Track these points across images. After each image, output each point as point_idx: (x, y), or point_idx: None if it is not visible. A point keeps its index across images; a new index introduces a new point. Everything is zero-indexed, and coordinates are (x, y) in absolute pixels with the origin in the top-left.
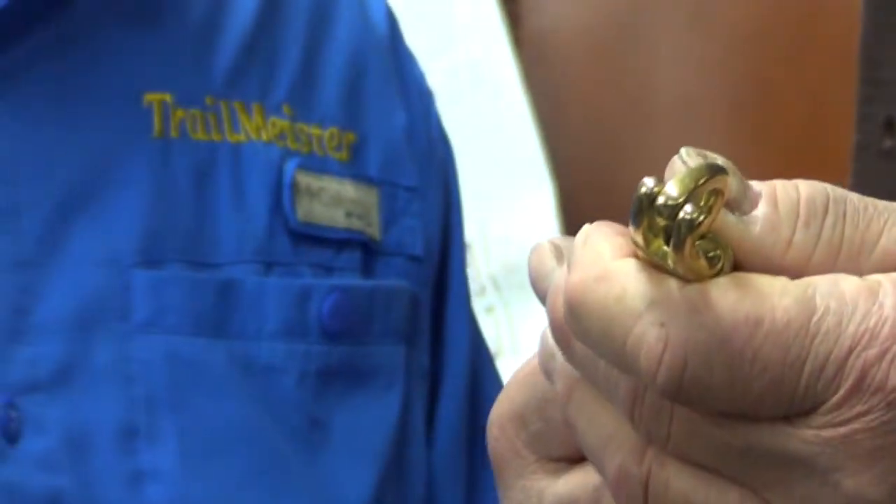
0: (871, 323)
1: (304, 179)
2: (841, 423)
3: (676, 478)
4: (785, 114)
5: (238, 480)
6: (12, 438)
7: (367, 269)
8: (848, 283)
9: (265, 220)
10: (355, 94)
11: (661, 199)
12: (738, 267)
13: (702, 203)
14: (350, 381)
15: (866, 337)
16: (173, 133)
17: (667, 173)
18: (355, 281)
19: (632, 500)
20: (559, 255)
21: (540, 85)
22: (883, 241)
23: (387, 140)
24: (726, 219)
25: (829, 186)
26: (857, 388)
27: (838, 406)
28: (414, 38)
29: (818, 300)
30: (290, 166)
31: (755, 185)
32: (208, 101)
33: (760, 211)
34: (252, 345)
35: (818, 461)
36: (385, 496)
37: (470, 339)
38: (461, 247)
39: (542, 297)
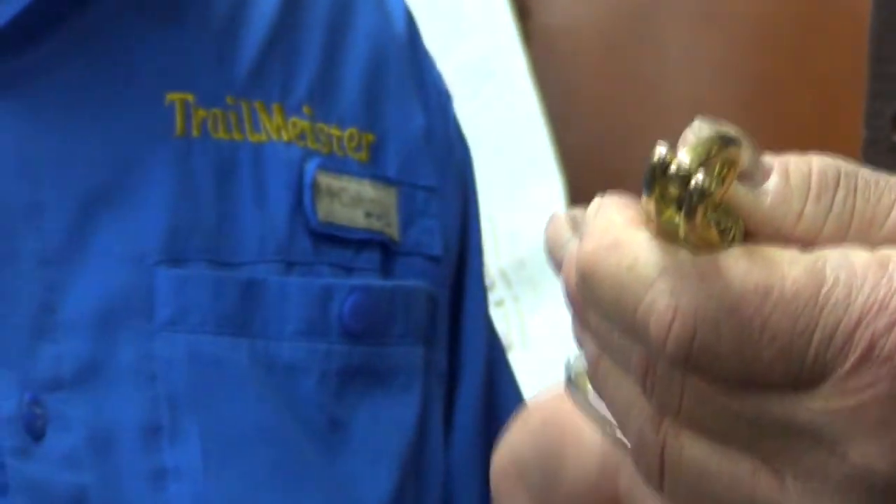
0: (881, 295)
1: (325, 180)
2: (849, 394)
3: (690, 447)
4: (794, 110)
5: (259, 479)
6: (37, 435)
7: (385, 270)
8: (858, 256)
9: (286, 220)
10: (375, 95)
11: (673, 168)
12: (748, 239)
13: (715, 173)
14: (369, 382)
15: (875, 308)
16: (195, 132)
17: (680, 143)
18: (375, 281)
19: (650, 468)
20: (575, 225)
21: (549, 79)
22: (893, 214)
23: (405, 140)
24: (738, 190)
25: (841, 161)
26: (866, 359)
27: (846, 377)
28: (423, 34)
29: (828, 271)
30: (310, 166)
31: (768, 158)
32: (229, 100)
33: (772, 183)
34: (274, 344)
35: (826, 432)
36: (403, 496)
37: (486, 340)
38: (479, 247)
39: (558, 268)
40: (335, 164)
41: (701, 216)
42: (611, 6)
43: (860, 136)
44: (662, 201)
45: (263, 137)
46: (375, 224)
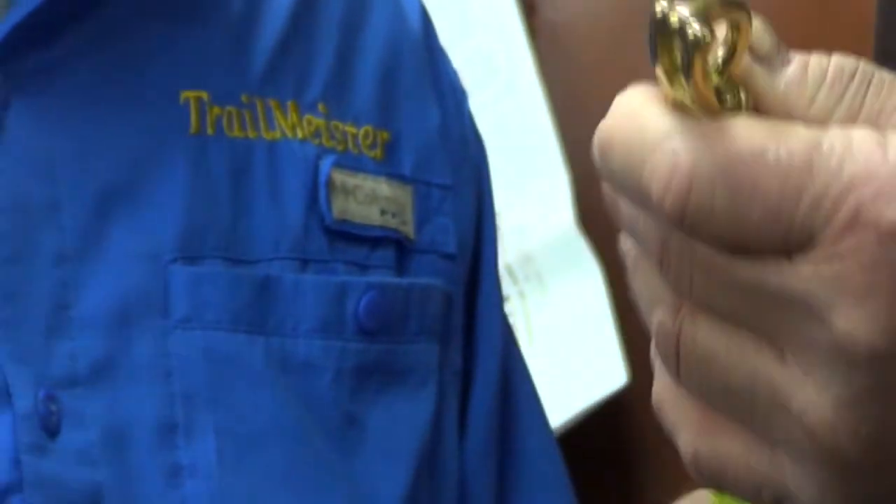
0: (872, 165)
1: (340, 177)
2: (835, 258)
3: (703, 331)
4: None
5: (275, 476)
6: (52, 432)
7: (400, 268)
8: (859, 132)
9: (301, 218)
10: (389, 93)
11: (672, 18)
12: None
13: (727, 36)
14: (385, 379)
15: (864, 176)
16: (209, 130)
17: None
18: (390, 279)
19: (668, 354)
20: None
21: (555, 75)
22: None
23: (421, 138)
24: (754, 68)
25: (862, 62)
26: (851, 224)
27: (833, 241)
28: None
29: (825, 141)
30: (325, 164)
31: (789, 50)
32: (244, 98)
33: (790, 69)
34: (289, 341)
35: (815, 299)
36: (418, 493)
37: (501, 337)
38: (494, 245)
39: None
40: (350, 162)
41: (700, 69)
42: (617, 3)
43: None
44: (669, 64)
45: (278, 135)
46: (391, 222)
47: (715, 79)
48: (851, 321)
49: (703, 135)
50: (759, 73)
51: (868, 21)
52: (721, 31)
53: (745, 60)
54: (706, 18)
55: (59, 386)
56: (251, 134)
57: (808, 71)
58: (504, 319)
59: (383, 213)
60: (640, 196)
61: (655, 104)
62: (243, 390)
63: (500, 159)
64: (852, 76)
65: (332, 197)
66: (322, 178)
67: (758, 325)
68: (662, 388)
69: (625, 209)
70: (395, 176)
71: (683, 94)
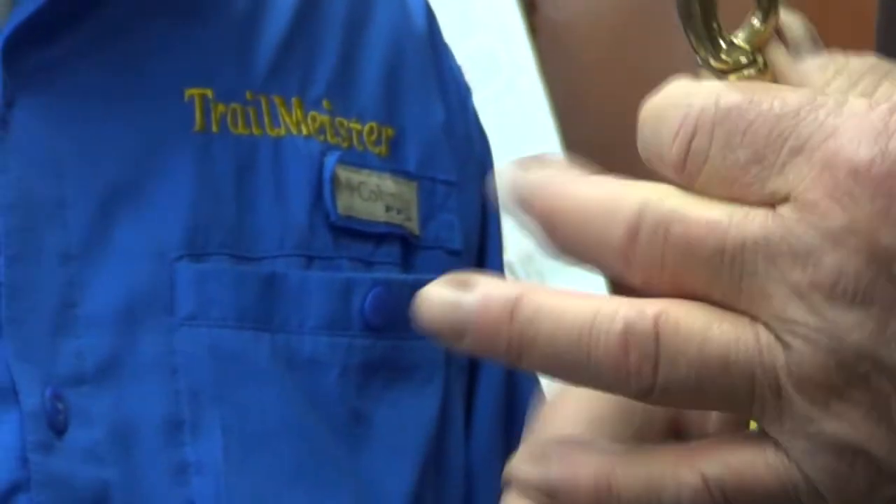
0: (856, 117)
1: (345, 174)
2: (815, 201)
3: (687, 317)
4: None
5: (281, 473)
6: (59, 430)
7: (406, 264)
8: (856, 99)
9: (306, 214)
10: (394, 89)
11: None
12: None
13: (757, 13)
14: (391, 375)
15: (845, 124)
16: (214, 128)
17: None
18: (396, 275)
19: (641, 365)
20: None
21: (556, 73)
22: None
23: (425, 135)
24: (780, 50)
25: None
26: (829, 164)
27: (812, 183)
28: None
29: (820, 98)
30: (330, 161)
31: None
32: (248, 95)
33: (815, 58)
34: (295, 338)
35: (799, 243)
36: (425, 489)
37: None
38: (498, 241)
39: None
40: (355, 158)
41: (718, 31)
42: (618, 1)
43: None
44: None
45: (283, 132)
46: (395, 218)
47: (743, 45)
48: (835, 260)
49: (714, 89)
50: (783, 55)
51: (869, 17)
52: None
53: (772, 41)
54: None
55: (65, 384)
56: (256, 131)
57: (832, 62)
58: None
59: (388, 209)
60: (658, 153)
61: (687, 81)
62: (249, 387)
63: (500, 157)
64: (871, 68)
65: (337, 193)
66: (327, 175)
67: (740, 296)
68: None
69: (568, 225)
70: (399, 172)
71: (706, 54)
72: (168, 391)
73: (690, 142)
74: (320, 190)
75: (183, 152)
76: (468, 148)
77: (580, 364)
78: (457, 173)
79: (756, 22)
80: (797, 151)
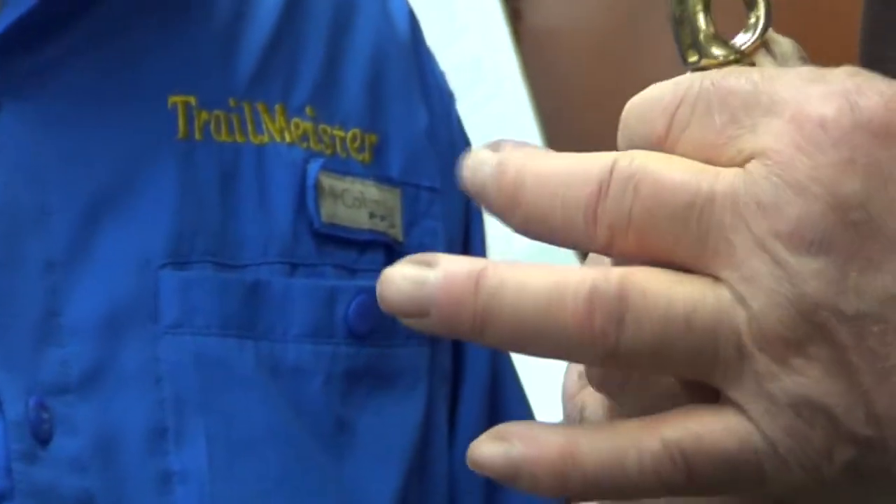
0: (829, 84)
1: (328, 181)
2: (782, 153)
3: (653, 278)
4: None
5: (266, 481)
6: (43, 440)
7: None
8: (832, 72)
9: (289, 222)
10: (377, 95)
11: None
12: None
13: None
14: (375, 383)
15: (816, 87)
16: (197, 135)
17: None
18: None
19: (605, 327)
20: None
21: (541, 81)
22: None
23: (409, 141)
24: (767, 60)
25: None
26: (796, 118)
27: (779, 137)
28: None
29: (801, 69)
30: (313, 168)
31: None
32: (232, 102)
33: (801, 67)
34: (279, 346)
35: (765, 196)
36: (408, 496)
37: None
38: (483, 248)
39: (481, 186)
40: (338, 166)
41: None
42: (603, 8)
43: None
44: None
45: (266, 139)
46: (379, 225)
47: (733, 46)
48: (797, 208)
49: (702, 73)
50: (770, 64)
51: (854, 32)
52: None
53: (760, 52)
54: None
55: (49, 393)
56: (239, 138)
57: (820, 69)
58: None
59: (372, 216)
60: (644, 137)
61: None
62: (234, 395)
63: None
64: (856, 70)
65: (320, 201)
66: (310, 182)
67: (707, 250)
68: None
69: (532, 195)
70: (383, 179)
71: (695, 52)
72: (152, 399)
73: (674, 113)
74: (303, 197)
75: (166, 160)
76: (452, 154)
77: (545, 331)
78: (440, 180)
79: (745, 34)
80: (770, 111)
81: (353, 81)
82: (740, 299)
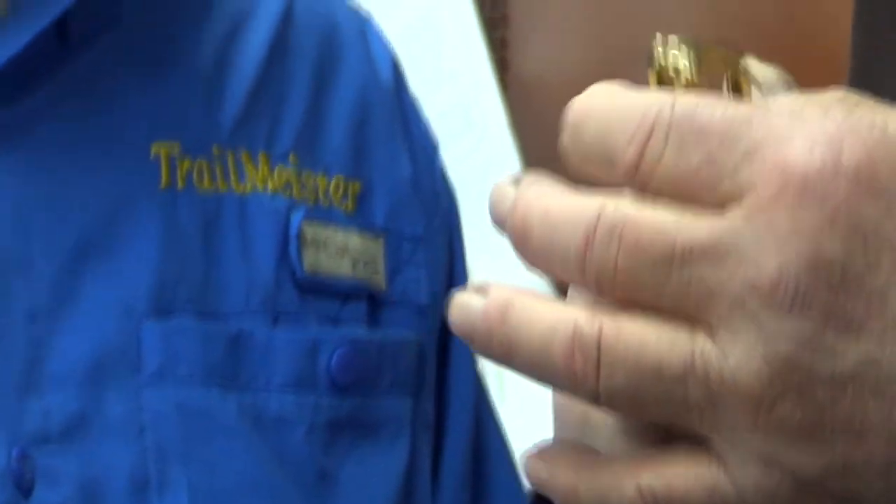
0: (810, 124)
1: (311, 230)
2: (764, 204)
3: (628, 323)
4: None
5: None
6: (26, 491)
7: (372, 320)
8: (811, 107)
9: (272, 272)
10: (361, 143)
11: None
12: None
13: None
14: (358, 433)
15: (799, 131)
16: (180, 184)
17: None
18: (363, 332)
19: (586, 366)
20: (516, 182)
21: (528, 130)
22: None
23: (392, 189)
24: (748, 87)
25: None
26: (779, 169)
27: (762, 187)
28: None
29: (776, 105)
30: (296, 217)
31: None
32: (215, 150)
33: (787, 97)
34: (262, 396)
35: (746, 246)
36: None
37: (474, 391)
38: None
39: (502, 221)
40: (321, 215)
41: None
42: (590, 57)
43: None
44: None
45: (248, 188)
46: (362, 274)
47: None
48: (777, 264)
49: (669, 95)
50: (754, 91)
51: (842, 59)
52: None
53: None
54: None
55: (32, 443)
56: (222, 187)
57: (799, 98)
58: (476, 370)
59: (355, 265)
60: (605, 157)
61: (635, 89)
62: (216, 446)
63: (471, 213)
64: (842, 96)
65: (302, 250)
66: (293, 232)
67: (688, 300)
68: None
69: (539, 233)
70: (366, 227)
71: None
72: (135, 449)
73: (645, 143)
74: (286, 247)
75: (149, 209)
76: (435, 202)
77: (547, 368)
78: (424, 227)
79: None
80: (750, 154)
81: (337, 128)
82: (717, 352)
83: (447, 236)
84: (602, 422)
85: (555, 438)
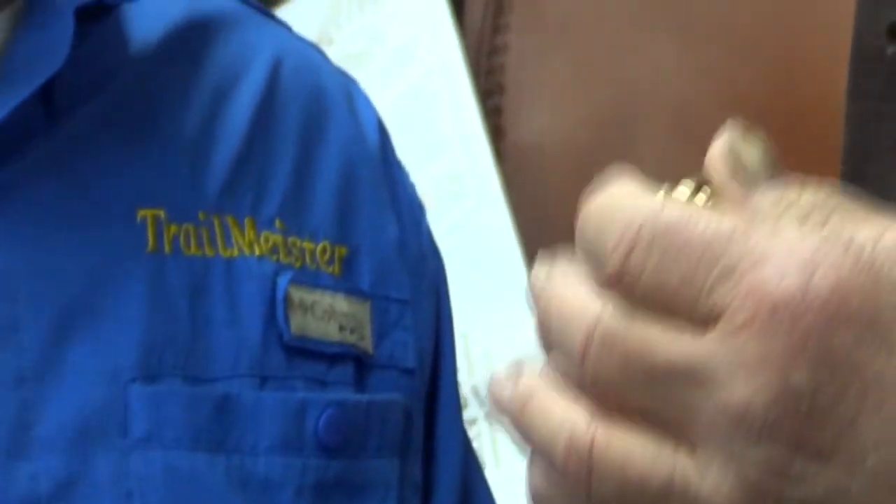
0: (784, 245)
1: (297, 294)
2: (735, 330)
3: (618, 434)
4: None
5: None
6: None
7: (360, 383)
8: (790, 226)
9: (259, 335)
10: (347, 207)
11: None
12: None
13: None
14: (345, 495)
15: (772, 253)
16: (167, 249)
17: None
18: (350, 395)
19: (578, 470)
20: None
21: (523, 198)
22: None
23: (379, 253)
24: (733, 179)
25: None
26: (750, 295)
27: (734, 312)
28: (397, 149)
29: (755, 224)
30: (282, 281)
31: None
32: (201, 216)
33: (768, 190)
34: (249, 459)
35: (718, 372)
36: None
37: (461, 452)
38: (452, 359)
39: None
40: (308, 278)
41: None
42: (585, 125)
43: None
44: None
45: (235, 252)
46: (349, 337)
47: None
48: (747, 392)
49: (657, 204)
50: (737, 187)
51: (837, 128)
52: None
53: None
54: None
55: None
56: (208, 252)
57: (783, 194)
58: (464, 432)
59: (342, 328)
60: (597, 260)
61: (638, 188)
62: None
63: (468, 282)
64: (822, 200)
65: (289, 314)
66: (279, 295)
67: (671, 415)
68: None
69: (551, 320)
70: (353, 291)
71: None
72: None
73: (629, 255)
74: (273, 310)
75: (136, 274)
76: (422, 265)
77: (552, 460)
78: (410, 291)
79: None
80: (726, 275)
81: (323, 193)
82: (696, 471)
83: (434, 298)
84: None
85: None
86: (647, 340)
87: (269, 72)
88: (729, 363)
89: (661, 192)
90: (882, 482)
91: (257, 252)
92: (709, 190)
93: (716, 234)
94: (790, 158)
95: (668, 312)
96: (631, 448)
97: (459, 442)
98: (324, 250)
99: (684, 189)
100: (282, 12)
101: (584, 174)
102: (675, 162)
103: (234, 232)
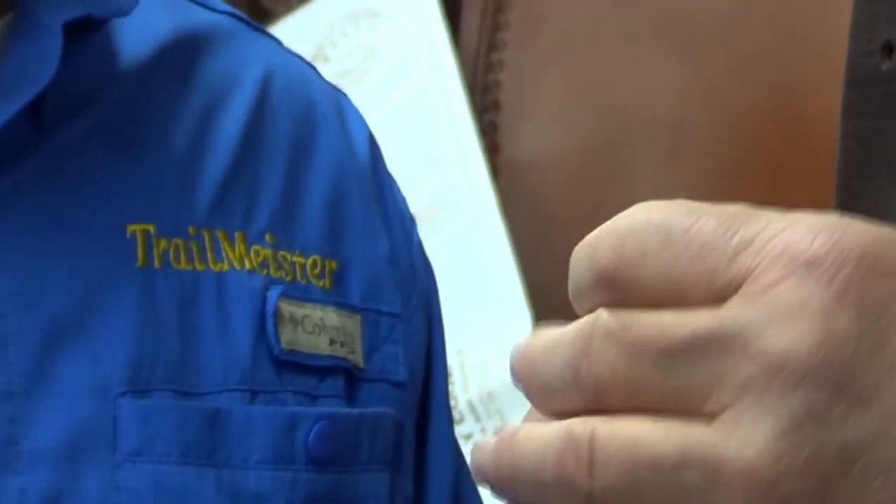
0: (806, 220)
1: (288, 308)
2: (766, 288)
3: (622, 422)
4: None
5: None
6: None
7: (350, 397)
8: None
9: (249, 349)
10: (337, 221)
11: None
12: None
13: None
14: None
15: (798, 224)
16: (157, 263)
17: None
18: (340, 408)
19: (577, 471)
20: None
21: (518, 214)
22: None
23: (369, 266)
24: None
25: None
26: (781, 256)
27: (763, 272)
28: (393, 165)
29: (766, 213)
30: (273, 295)
31: None
32: (191, 230)
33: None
34: (240, 473)
35: (749, 330)
36: None
37: (453, 466)
38: (444, 372)
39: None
40: (298, 292)
41: None
42: (580, 142)
43: None
44: None
45: (226, 267)
46: (339, 351)
47: None
48: (786, 340)
49: (644, 207)
50: None
51: (831, 157)
52: None
53: None
54: None
55: None
56: (199, 266)
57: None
58: (456, 446)
59: (332, 342)
60: (590, 267)
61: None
62: None
63: (463, 297)
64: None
65: (280, 327)
66: (270, 309)
67: (693, 390)
68: None
69: (538, 348)
70: (343, 305)
71: None
72: None
73: (622, 247)
74: (263, 324)
75: (126, 288)
76: (413, 279)
77: (541, 480)
78: (401, 305)
79: None
80: (747, 244)
81: (313, 207)
82: (716, 437)
83: (425, 312)
84: None
85: None
86: (659, 324)
87: (259, 86)
88: (762, 318)
89: None
90: None
91: (247, 266)
92: None
93: (725, 212)
94: (787, 178)
95: (672, 300)
96: (637, 429)
97: (451, 456)
98: (314, 264)
99: None
100: (277, 29)
101: (580, 191)
102: (671, 180)
103: (225, 246)
